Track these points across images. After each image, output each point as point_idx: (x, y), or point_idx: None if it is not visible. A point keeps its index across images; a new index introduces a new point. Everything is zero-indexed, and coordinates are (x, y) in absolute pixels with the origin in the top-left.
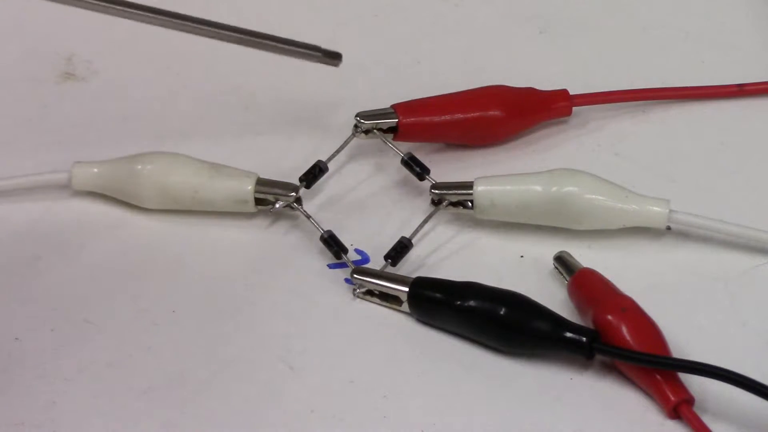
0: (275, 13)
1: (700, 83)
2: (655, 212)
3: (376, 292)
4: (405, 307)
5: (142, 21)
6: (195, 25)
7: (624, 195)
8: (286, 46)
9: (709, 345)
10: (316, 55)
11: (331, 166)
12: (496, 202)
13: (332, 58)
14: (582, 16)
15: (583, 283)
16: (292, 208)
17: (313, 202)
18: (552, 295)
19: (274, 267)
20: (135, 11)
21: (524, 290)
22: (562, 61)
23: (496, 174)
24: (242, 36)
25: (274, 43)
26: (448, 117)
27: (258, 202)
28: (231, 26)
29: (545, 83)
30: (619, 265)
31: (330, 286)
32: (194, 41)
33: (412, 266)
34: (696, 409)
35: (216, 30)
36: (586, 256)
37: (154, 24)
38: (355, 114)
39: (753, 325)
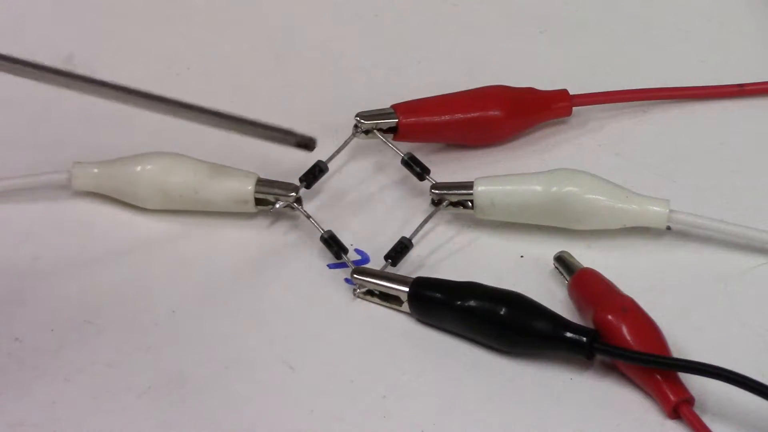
0: (275, 14)
1: (700, 83)
2: (655, 212)
3: (377, 292)
4: (405, 307)
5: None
6: (164, 105)
7: (624, 195)
8: (260, 130)
9: (709, 345)
10: (290, 140)
11: (331, 166)
12: (496, 202)
13: (306, 145)
14: (582, 16)
15: (584, 283)
16: (293, 208)
17: (313, 202)
18: (552, 295)
19: (274, 267)
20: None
21: (524, 290)
22: (562, 61)
23: (496, 174)
24: (216, 118)
25: (246, 126)
26: (448, 117)
27: (258, 202)
28: (206, 109)
29: (545, 83)
30: (619, 265)
31: (330, 286)
32: (193, 42)
33: (412, 266)
34: (696, 409)
35: (189, 112)
36: (586, 256)
37: (134, 106)
38: (355, 114)
39: (753, 325)
